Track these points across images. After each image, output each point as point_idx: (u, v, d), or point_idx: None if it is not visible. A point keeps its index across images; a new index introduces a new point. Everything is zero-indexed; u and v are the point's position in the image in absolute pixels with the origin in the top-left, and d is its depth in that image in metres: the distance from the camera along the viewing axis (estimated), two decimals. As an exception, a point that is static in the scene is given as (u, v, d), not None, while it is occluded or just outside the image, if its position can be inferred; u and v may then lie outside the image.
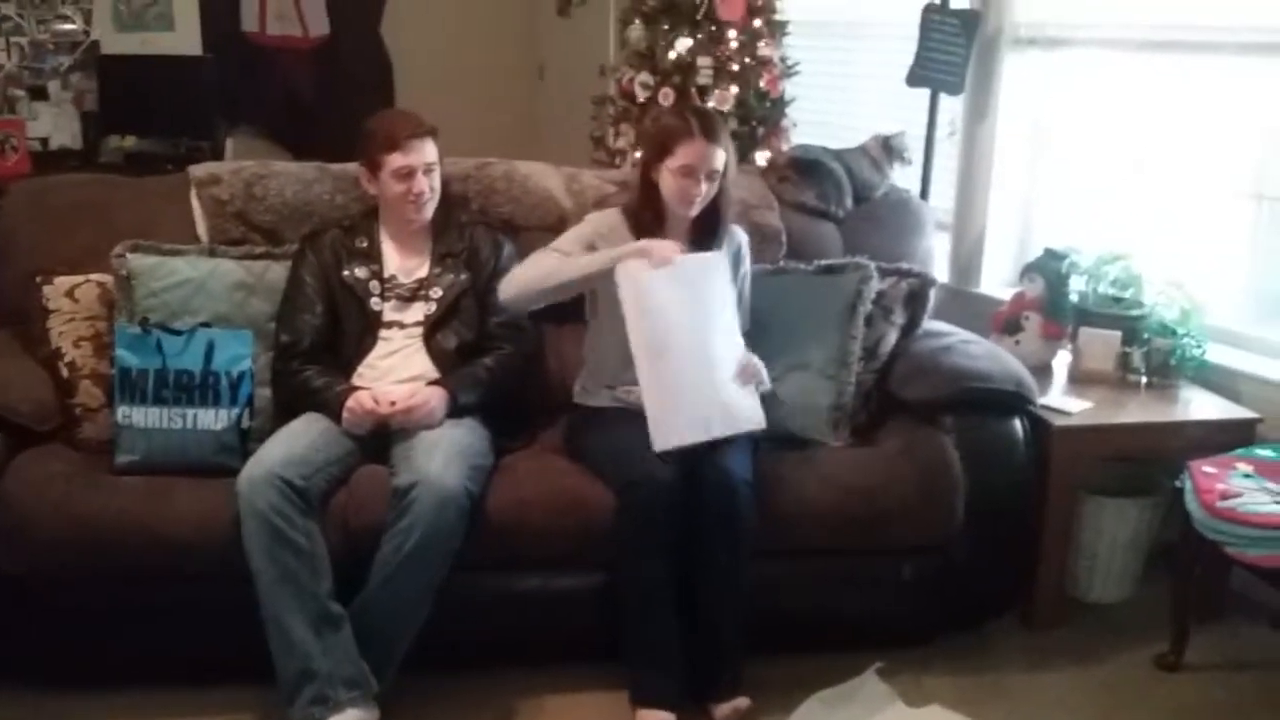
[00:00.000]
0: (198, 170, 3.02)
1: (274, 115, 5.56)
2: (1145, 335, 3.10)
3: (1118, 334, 3.12)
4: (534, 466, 2.66)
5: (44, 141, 4.92)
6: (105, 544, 2.41)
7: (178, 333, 2.64)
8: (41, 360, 2.69)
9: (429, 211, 2.76)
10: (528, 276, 2.64)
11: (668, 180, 2.62)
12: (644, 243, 2.58)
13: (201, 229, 2.94)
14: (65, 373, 2.67)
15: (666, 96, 4.01)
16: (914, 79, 3.70)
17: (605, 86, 4.52)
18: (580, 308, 2.81)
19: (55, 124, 4.95)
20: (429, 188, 2.72)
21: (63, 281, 2.74)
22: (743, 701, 2.47)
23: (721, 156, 2.61)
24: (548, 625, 2.63)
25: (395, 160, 2.66)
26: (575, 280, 2.62)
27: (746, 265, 2.83)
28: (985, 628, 2.87)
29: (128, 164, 4.78)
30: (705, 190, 2.62)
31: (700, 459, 2.50)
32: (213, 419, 2.61)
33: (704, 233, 2.71)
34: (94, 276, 2.75)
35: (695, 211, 2.66)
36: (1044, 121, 3.60)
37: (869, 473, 2.68)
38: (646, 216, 2.69)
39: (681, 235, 2.71)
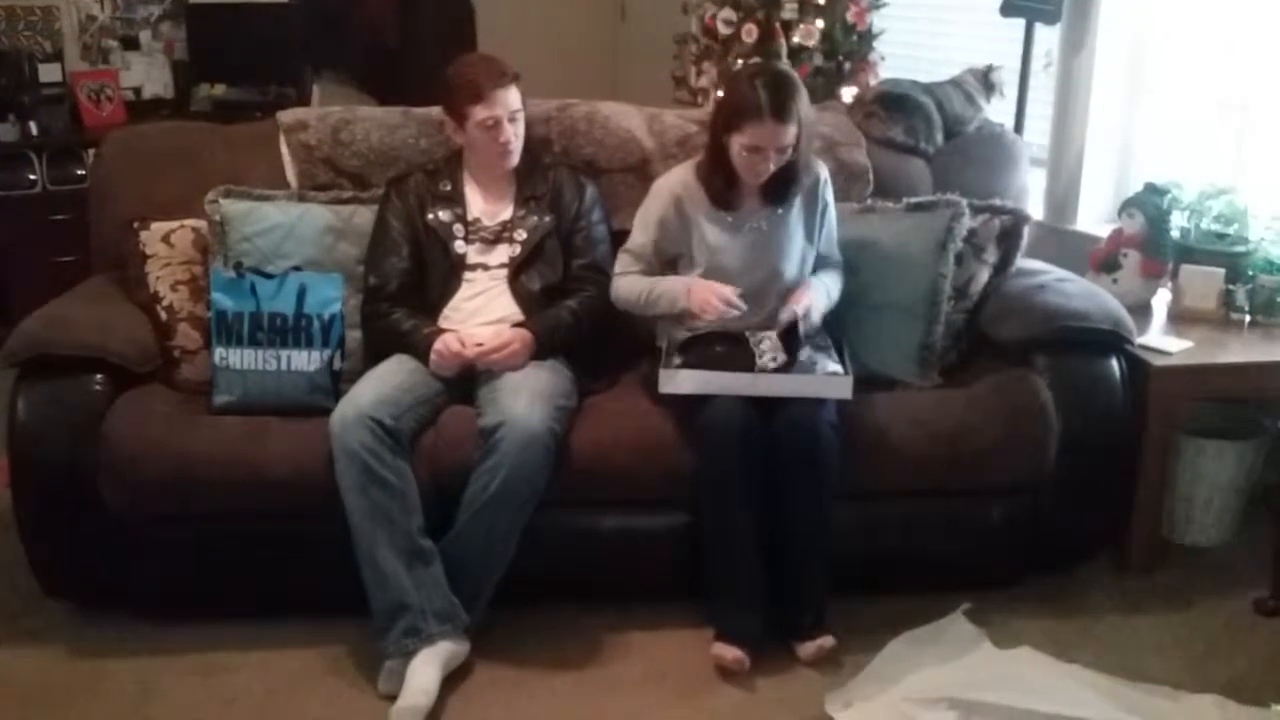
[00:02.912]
0: (286, 116, 3.05)
1: (358, 61, 5.59)
2: (1250, 272, 3.00)
3: (1221, 271, 3.01)
4: (617, 408, 2.67)
5: (137, 91, 5.00)
6: (204, 482, 2.48)
7: (270, 276, 2.69)
8: (140, 304, 2.77)
9: (515, 158, 2.76)
10: (625, 298, 2.73)
11: (736, 152, 2.58)
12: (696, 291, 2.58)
13: (290, 174, 2.98)
14: (164, 316, 2.75)
15: (750, 33, 3.94)
16: (1009, 8, 3.58)
17: (687, 24, 4.45)
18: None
19: (147, 74, 5.03)
20: (515, 135, 2.72)
21: (159, 227, 2.80)
22: (828, 640, 2.48)
23: (792, 133, 2.54)
24: (632, 563, 2.65)
25: (480, 112, 2.66)
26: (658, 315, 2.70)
27: (830, 201, 2.78)
28: (1076, 571, 2.83)
29: (217, 112, 4.85)
30: (772, 166, 2.58)
31: (784, 399, 2.49)
32: (306, 360, 2.67)
33: (776, 190, 2.68)
34: (188, 222, 2.81)
35: (763, 180, 2.63)
36: (1144, 51, 3.46)
37: (958, 414, 2.64)
38: (718, 180, 2.66)
39: (753, 193, 2.69)
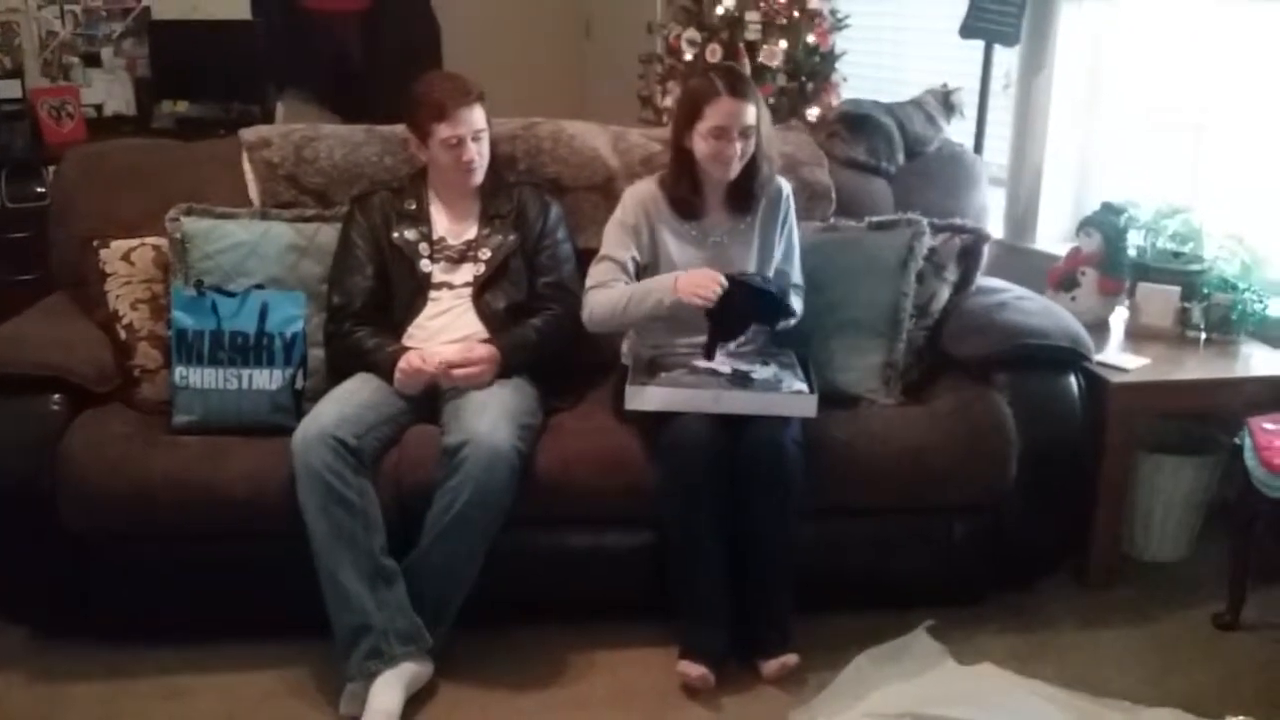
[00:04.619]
0: (248, 134, 3.04)
1: (323, 79, 5.56)
2: (1205, 290, 3.04)
3: (1177, 289, 3.06)
4: (582, 426, 2.67)
5: (98, 108, 4.96)
6: (164, 502, 2.46)
7: (232, 294, 2.67)
8: (100, 322, 2.74)
9: (479, 177, 2.76)
10: (602, 312, 2.64)
11: (701, 144, 2.59)
12: (682, 276, 2.56)
13: (253, 192, 2.97)
14: (123, 335, 2.72)
15: (714, 53, 3.97)
16: (968, 30, 3.62)
17: (652, 44, 4.48)
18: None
19: (109, 91, 4.99)
20: (479, 154, 2.72)
21: (119, 245, 2.78)
22: (791, 659, 2.48)
23: (753, 112, 2.57)
24: (597, 582, 2.65)
25: (444, 130, 2.66)
26: (641, 321, 2.66)
27: (791, 217, 2.78)
28: (1037, 586, 2.85)
29: (180, 129, 4.81)
30: (740, 149, 2.59)
31: (749, 417, 2.50)
32: (267, 379, 2.65)
33: (741, 198, 2.69)
34: (149, 240, 2.78)
35: (734, 173, 2.63)
36: (1101, 72, 3.52)
37: (920, 431, 2.66)
38: (683, 188, 2.67)
39: (718, 202, 2.70)
